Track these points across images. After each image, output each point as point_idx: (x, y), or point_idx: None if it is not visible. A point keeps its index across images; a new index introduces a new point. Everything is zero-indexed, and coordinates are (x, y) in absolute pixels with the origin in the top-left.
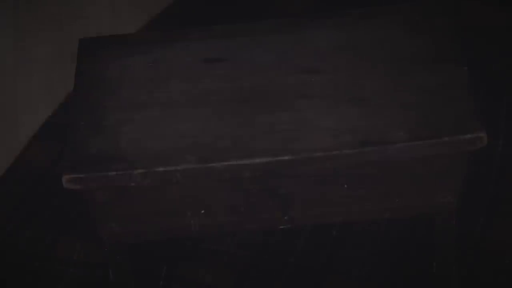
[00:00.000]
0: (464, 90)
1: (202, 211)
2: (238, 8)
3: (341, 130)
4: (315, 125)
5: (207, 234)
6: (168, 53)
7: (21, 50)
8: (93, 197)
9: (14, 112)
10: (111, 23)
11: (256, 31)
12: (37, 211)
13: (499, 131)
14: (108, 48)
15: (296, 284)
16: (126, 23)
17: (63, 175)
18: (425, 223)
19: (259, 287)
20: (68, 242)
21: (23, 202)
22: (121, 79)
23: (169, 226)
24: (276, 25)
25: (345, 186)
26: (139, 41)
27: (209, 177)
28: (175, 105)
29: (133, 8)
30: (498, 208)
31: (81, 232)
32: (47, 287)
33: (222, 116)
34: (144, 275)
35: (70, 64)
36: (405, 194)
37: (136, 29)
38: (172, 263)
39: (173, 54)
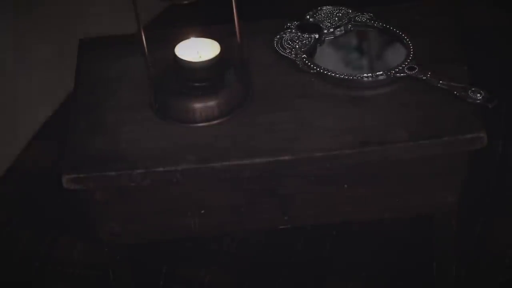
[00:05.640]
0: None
1: (202, 211)
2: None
3: (341, 130)
4: (315, 125)
5: (207, 234)
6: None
7: (21, 50)
8: (93, 197)
9: (14, 112)
10: (111, 23)
11: (256, 31)
12: (37, 211)
13: (499, 131)
14: (108, 48)
15: (296, 284)
16: (126, 23)
17: (63, 175)
18: (425, 223)
19: (259, 287)
20: (68, 242)
21: (23, 202)
22: (121, 79)
23: (169, 226)
24: (276, 25)
25: (345, 186)
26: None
27: (209, 177)
28: None
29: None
30: (498, 208)
31: (81, 232)
32: (47, 287)
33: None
34: (144, 275)
35: (70, 64)
36: (405, 194)
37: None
38: (172, 263)
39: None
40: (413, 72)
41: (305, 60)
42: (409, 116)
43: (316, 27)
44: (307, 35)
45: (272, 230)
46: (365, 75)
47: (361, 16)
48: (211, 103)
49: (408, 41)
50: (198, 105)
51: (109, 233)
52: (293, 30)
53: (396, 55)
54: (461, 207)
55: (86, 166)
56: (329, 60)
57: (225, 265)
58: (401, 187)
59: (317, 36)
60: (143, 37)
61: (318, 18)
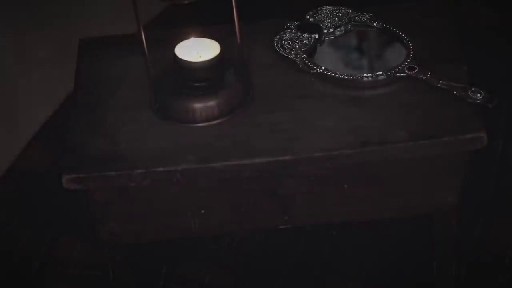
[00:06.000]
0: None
1: (202, 211)
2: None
3: (341, 130)
4: (315, 125)
5: (207, 234)
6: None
7: (21, 50)
8: (93, 197)
9: (14, 112)
10: (111, 23)
11: (256, 31)
12: (37, 211)
13: (499, 131)
14: (108, 48)
15: (296, 284)
16: (126, 23)
17: (63, 175)
18: (425, 223)
19: (259, 287)
20: (68, 242)
21: (23, 202)
22: (121, 79)
23: (169, 226)
24: (276, 25)
25: (345, 186)
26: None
27: (209, 177)
28: None
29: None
30: (498, 208)
31: (81, 232)
32: (47, 287)
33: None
34: (144, 275)
35: (70, 64)
36: (405, 194)
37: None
38: (172, 263)
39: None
40: (413, 72)
41: (305, 60)
42: (409, 116)
43: (316, 27)
44: (307, 35)
45: (272, 230)
46: (365, 75)
47: (361, 16)
48: (211, 103)
49: (408, 41)
50: (198, 105)
51: (109, 233)
52: (293, 30)
53: (396, 55)
54: (461, 207)
55: (86, 166)
56: (329, 60)
57: (225, 265)
58: (401, 187)
59: (317, 36)
60: (143, 37)
61: (318, 18)
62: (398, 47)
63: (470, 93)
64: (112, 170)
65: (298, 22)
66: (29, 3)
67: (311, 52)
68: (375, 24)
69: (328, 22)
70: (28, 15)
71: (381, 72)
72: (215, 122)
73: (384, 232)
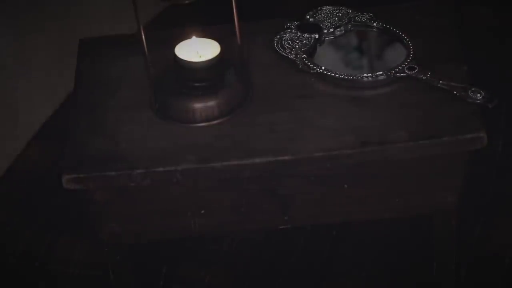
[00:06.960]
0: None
1: (202, 211)
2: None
3: (341, 130)
4: (315, 125)
5: (207, 234)
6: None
7: (21, 50)
8: (93, 197)
9: (14, 112)
10: (111, 23)
11: (256, 31)
12: (37, 211)
13: (499, 131)
14: (108, 48)
15: (296, 284)
16: (126, 23)
17: (63, 175)
18: (425, 223)
19: (259, 287)
20: (68, 242)
21: (23, 202)
22: (121, 79)
23: (169, 226)
24: (276, 25)
25: (345, 186)
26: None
27: (209, 177)
28: None
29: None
30: (498, 208)
31: (81, 232)
32: (47, 287)
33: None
34: (144, 275)
35: (70, 64)
36: (405, 194)
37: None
38: (172, 263)
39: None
40: (413, 72)
41: (305, 60)
42: (409, 116)
43: (316, 27)
44: (307, 35)
45: (272, 230)
46: (365, 75)
47: (361, 16)
48: (211, 103)
49: (408, 41)
50: (198, 105)
51: (109, 233)
52: (293, 30)
53: (396, 55)
54: (461, 207)
55: (86, 166)
56: (329, 60)
57: (225, 265)
58: (401, 187)
59: (317, 36)
60: (143, 37)
61: (318, 18)
62: (398, 47)
63: (470, 93)
64: (112, 170)
65: (298, 22)
66: (29, 3)
67: (311, 52)
68: (375, 24)
69: (328, 22)
70: (28, 16)
71: (381, 72)
72: (215, 122)
73: (384, 232)
